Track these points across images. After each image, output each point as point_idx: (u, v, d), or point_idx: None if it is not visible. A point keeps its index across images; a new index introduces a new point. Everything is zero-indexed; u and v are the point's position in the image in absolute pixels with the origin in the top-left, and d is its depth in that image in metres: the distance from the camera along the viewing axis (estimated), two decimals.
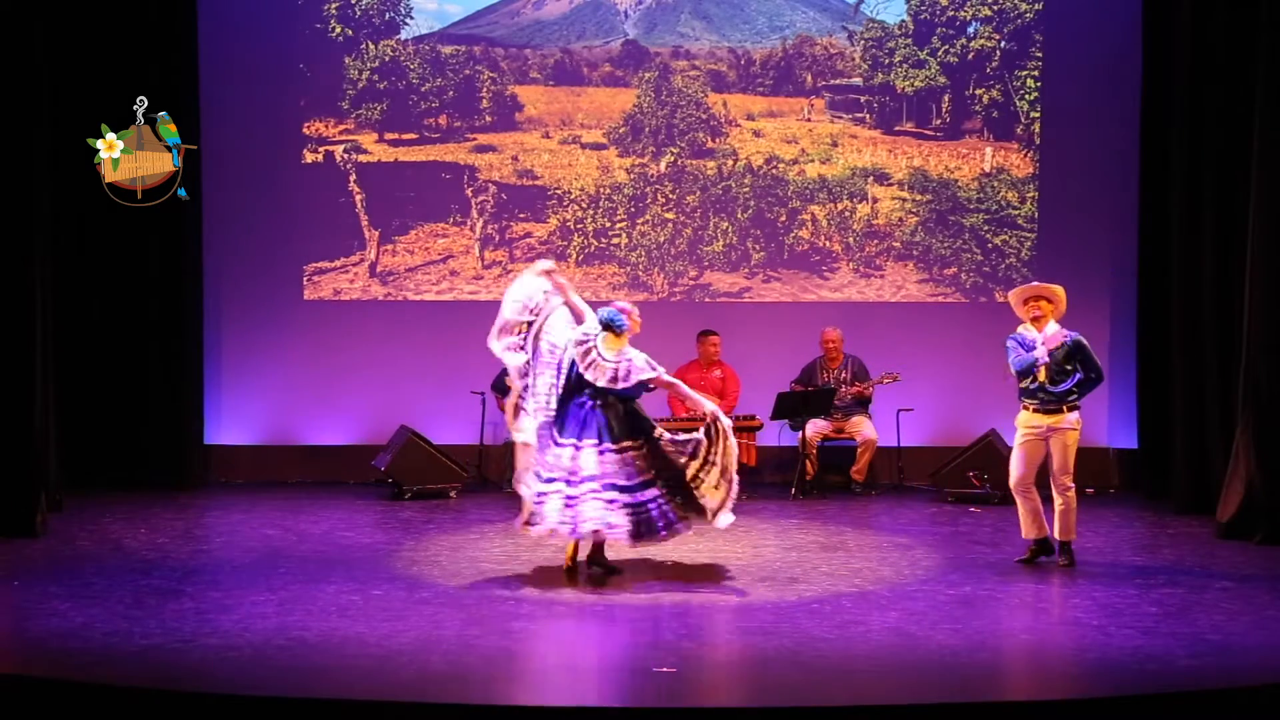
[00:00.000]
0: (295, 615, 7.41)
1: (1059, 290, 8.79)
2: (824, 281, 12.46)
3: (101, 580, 8.18)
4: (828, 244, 12.47)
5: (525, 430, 8.38)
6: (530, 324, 8.43)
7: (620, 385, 8.32)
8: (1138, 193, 11.66)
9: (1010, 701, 6.20)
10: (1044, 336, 8.67)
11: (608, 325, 8.35)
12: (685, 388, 8.81)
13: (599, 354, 8.32)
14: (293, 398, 12.36)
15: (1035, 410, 8.72)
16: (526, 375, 8.41)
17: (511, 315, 8.39)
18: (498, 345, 8.39)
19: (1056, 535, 8.79)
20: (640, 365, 8.35)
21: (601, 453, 8.27)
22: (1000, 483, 10.20)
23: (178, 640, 6.92)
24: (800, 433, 11.61)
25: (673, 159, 12.46)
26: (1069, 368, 8.67)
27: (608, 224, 12.46)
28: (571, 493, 8.24)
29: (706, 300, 12.45)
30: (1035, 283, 8.83)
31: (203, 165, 11.53)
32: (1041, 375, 8.66)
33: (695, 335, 11.96)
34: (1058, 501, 8.75)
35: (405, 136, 12.45)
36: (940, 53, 12.38)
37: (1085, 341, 8.70)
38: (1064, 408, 8.66)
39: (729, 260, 12.47)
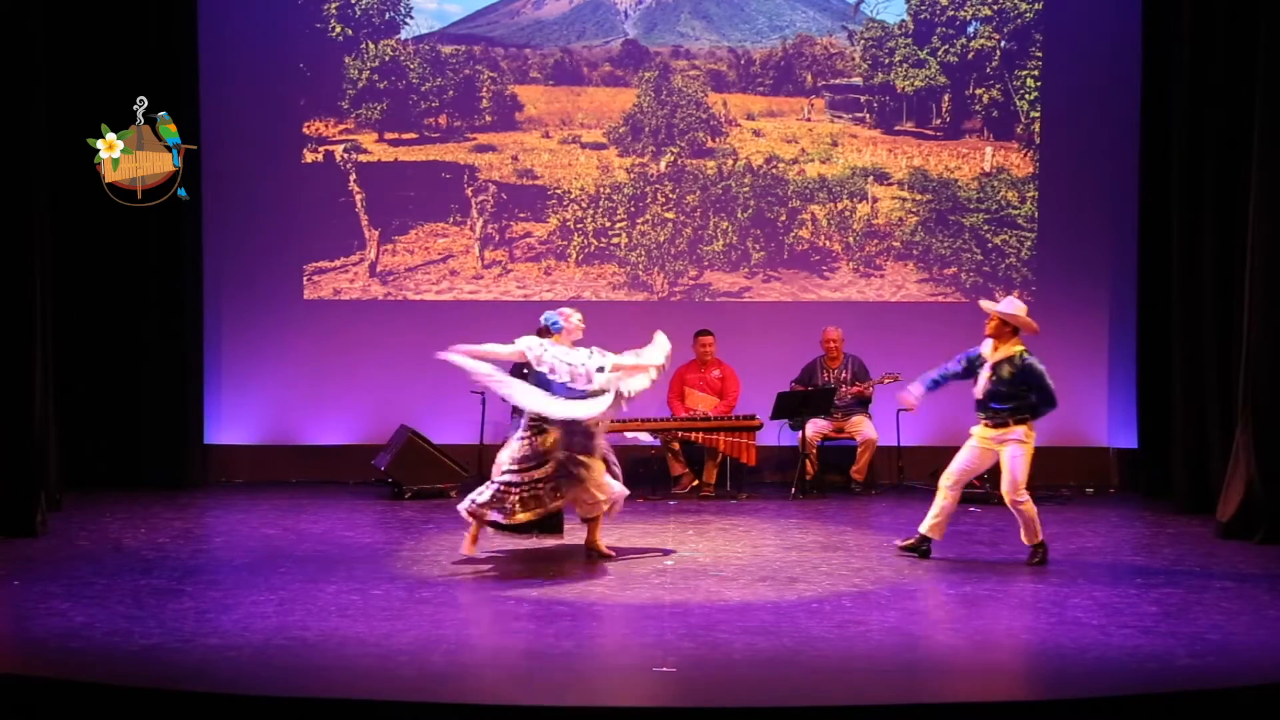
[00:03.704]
0: (295, 615, 7.41)
1: (1008, 314, 8.73)
2: (824, 281, 12.46)
3: (101, 580, 8.18)
4: (828, 244, 12.47)
5: None
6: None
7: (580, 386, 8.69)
8: (1138, 193, 11.65)
9: (1010, 701, 6.20)
10: (986, 353, 8.78)
11: (546, 330, 8.86)
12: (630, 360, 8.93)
13: (556, 358, 8.66)
14: (293, 398, 12.36)
15: (984, 423, 8.81)
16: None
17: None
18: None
19: (1024, 540, 8.85)
20: (593, 369, 8.69)
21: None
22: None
23: (178, 640, 6.91)
24: (800, 432, 11.60)
25: (673, 159, 12.46)
26: (1007, 390, 8.65)
27: (608, 224, 12.45)
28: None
29: (706, 300, 12.45)
30: (1004, 305, 8.80)
31: (203, 165, 11.54)
32: (980, 392, 8.74)
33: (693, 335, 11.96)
34: (1016, 515, 8.82)
35: (405, 136, 12.45)
36: (940, 52, 12.38)
37: (1038, 366, 8.66)
38: (1010, 421, 8.69)
39: (729, 260, 12.47)
